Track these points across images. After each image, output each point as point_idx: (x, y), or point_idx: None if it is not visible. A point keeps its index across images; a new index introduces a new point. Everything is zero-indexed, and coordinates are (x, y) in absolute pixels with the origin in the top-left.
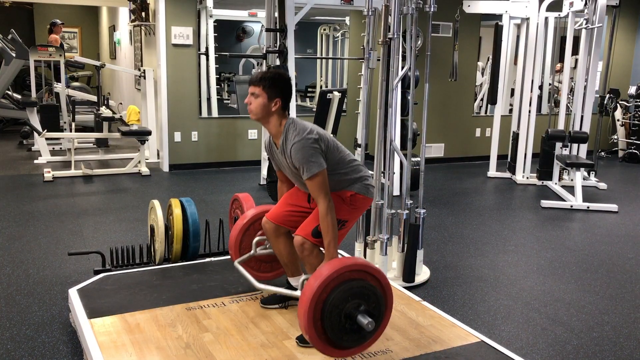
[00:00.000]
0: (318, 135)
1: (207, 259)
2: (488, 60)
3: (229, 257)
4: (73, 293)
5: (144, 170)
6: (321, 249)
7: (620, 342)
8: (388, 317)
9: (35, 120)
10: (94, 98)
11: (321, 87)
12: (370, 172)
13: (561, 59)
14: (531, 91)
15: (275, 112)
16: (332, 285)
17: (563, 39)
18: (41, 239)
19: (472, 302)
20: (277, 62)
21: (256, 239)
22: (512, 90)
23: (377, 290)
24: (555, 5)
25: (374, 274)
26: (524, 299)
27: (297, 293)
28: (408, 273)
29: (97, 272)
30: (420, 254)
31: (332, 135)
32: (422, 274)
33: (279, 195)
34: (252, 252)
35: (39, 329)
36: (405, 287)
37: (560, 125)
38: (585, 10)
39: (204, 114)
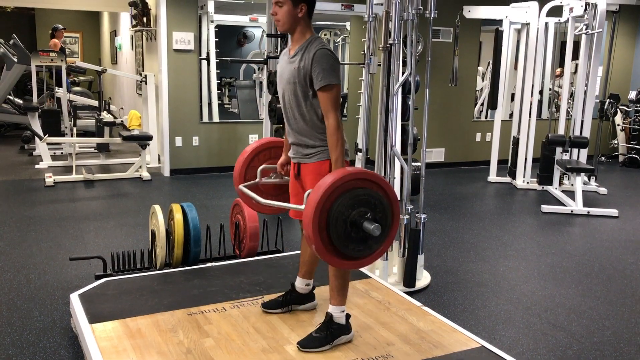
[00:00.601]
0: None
1: (208, 264)
2: (488, 65)
3: (230, 262)
4: (74, 298)
5: (145, 175)
6: None
7: (620, 347)
8: (395, 227)
9: (36, 125)
10: (95, 103)
11: None
12: None
13: (561, 64)
14: (531, 96)
15: (302, 19)
16: (336, 193)
17: (563, 44)
18: (42, 244)
19: (473, 307)
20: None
21: (261, 167)
22: (513, 95)
23: (383, 200)
24: (556, 11)
25: (380, 184)
26: (524, 304)
27: (302, 207)
28: (409, 278)
29: (98, 277)
30: (420, 259)
31: None
32: (423, 279)
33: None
34: (257, 180)
35: (41, 334)
36: (406, 292)
37: (561, 130)
38: (585, 16)
39: (205, 118)
